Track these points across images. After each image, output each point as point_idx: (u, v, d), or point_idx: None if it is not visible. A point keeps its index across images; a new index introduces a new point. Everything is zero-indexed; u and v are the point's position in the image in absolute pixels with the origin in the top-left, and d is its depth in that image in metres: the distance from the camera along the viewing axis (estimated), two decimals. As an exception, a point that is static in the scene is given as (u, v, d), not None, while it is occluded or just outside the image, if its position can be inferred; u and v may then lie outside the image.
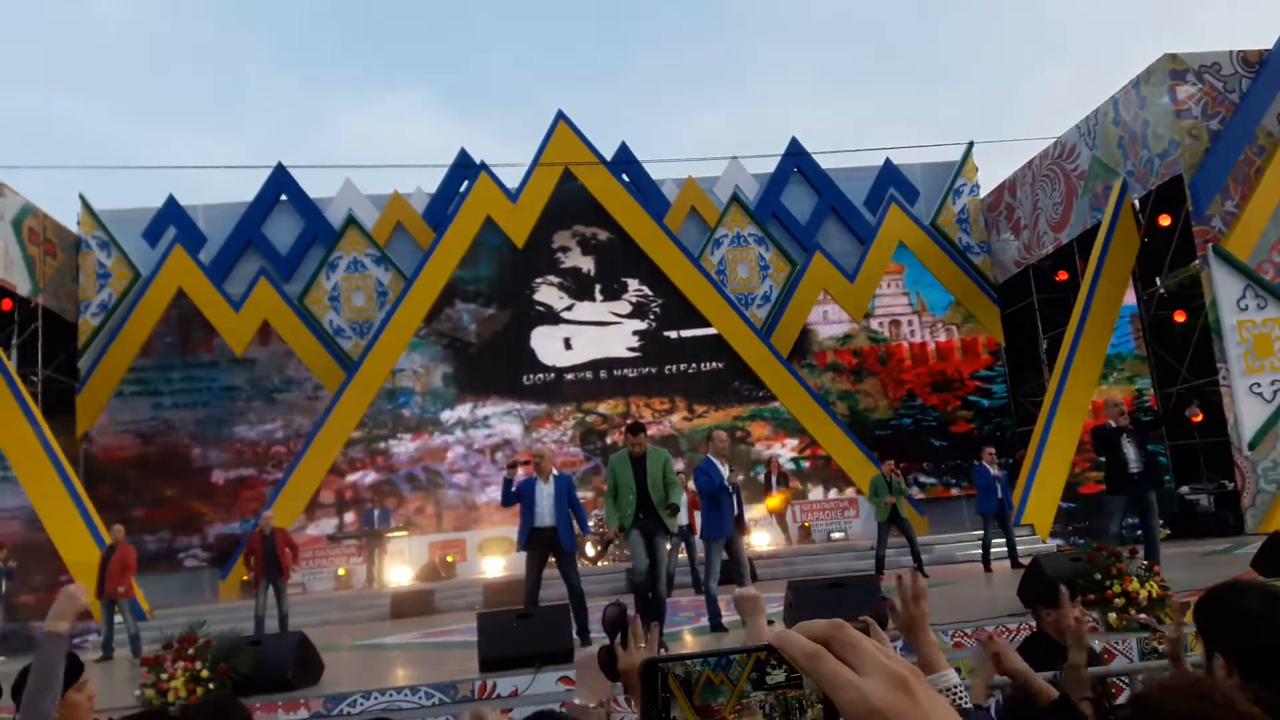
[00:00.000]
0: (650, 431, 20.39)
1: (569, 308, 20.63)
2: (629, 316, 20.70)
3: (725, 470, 9.06)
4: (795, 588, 8.51)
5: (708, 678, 0.73)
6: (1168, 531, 17.00)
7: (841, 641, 0.71)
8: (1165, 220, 16.23)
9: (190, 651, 7.14)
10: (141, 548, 15.45)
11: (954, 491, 20.35)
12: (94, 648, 12.70)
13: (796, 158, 21.79)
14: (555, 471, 9.44)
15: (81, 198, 20.07)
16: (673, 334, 20.57)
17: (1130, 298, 17.95)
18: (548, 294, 20.60)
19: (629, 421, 9.74)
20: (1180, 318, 16.56)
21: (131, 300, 19.59)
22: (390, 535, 18.41)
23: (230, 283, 20.01)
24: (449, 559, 18.26)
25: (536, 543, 9.06)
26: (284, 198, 20.88)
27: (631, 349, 20.60)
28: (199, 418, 19.62)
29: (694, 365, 20.53)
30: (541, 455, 9.60)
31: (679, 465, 19.88)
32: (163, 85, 55.50)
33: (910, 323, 21.36)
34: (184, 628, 7.50)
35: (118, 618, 12.48)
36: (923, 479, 20.40)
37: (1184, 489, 16.92)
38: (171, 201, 20.45)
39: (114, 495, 18.45)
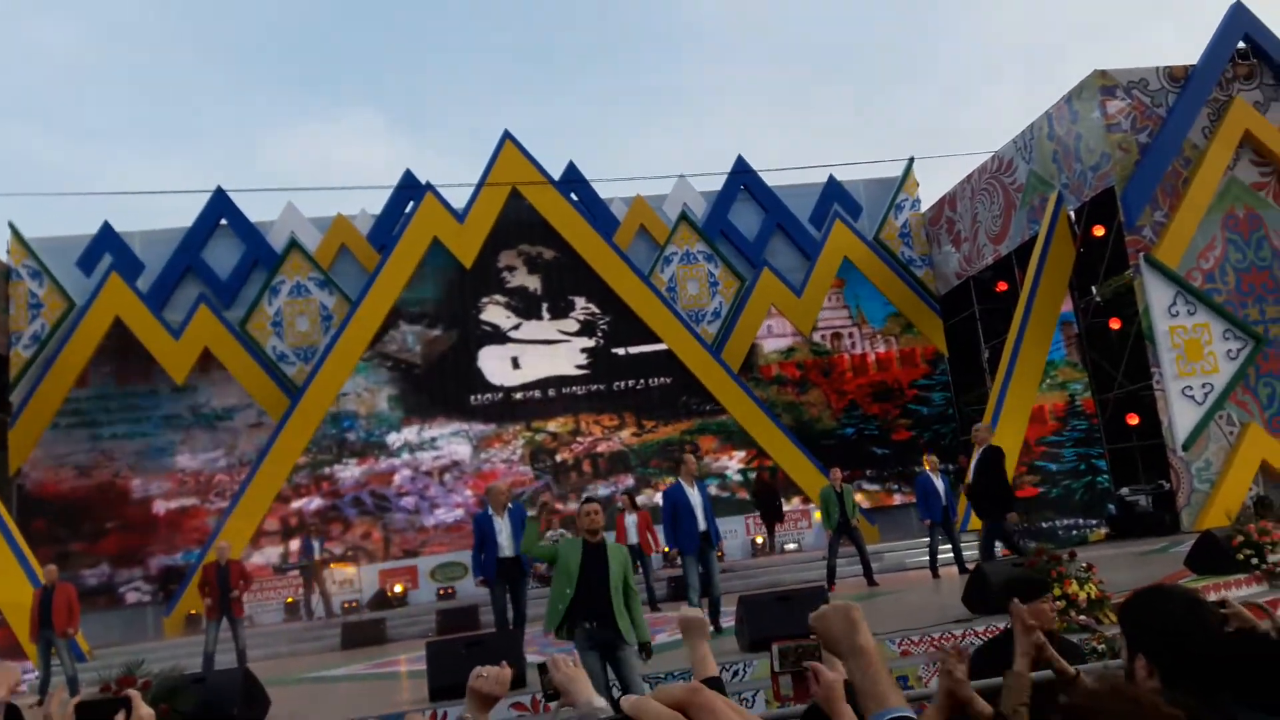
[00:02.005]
0: (600, 449, 20.70)
1: (516, 327, 20.58)
2: (577, 334, 20.71)
3: (694, 491, 9.91)
4: (745, 602, 8.55)
5: None
6: (1106, 532, 17.41)
7: (697, 705, 0.71)
8: (1099, 231, 16.68)
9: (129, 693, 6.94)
10: (80, 583, 15.07)
11: (897, 498, 20.73)
12: (30, 690, 12.31)
13: (743, 175, 22.06)
14: (510, 505, 10.34)
15: (11, 225, 19.60)
16: (621, 351, 20.61)
17: (1067, 306, 18.37)
18: (494, 313, 20.53)
19: (585, 497, 7.70)
20: (1115, 325, 16.99)
21: (66, 330, 19.12)
22: (334, 565, 18.12)
23: (170, 310, 19.64)
24: (399, 588, 18.02)
25: (501, 572, 10.02)
26: (224, 222, 20.59)
27: (580, 366, 20.60)
28: (139, 448, 19.20)
29: (642, 381, 20.59)
30: (496, 490, 10.48)
31: (628, 481, 19.93)
32: (98, 109, 54.51)
33: (851, 335, 21.71)
34: (122, 668, 7.30)
35: (55, 660, 12.08)
36: (866, 486, 20.70)
37: (1123, 490, 17.32)
38: (107, 228, 20.04)
39: (51, 530, 17.98)
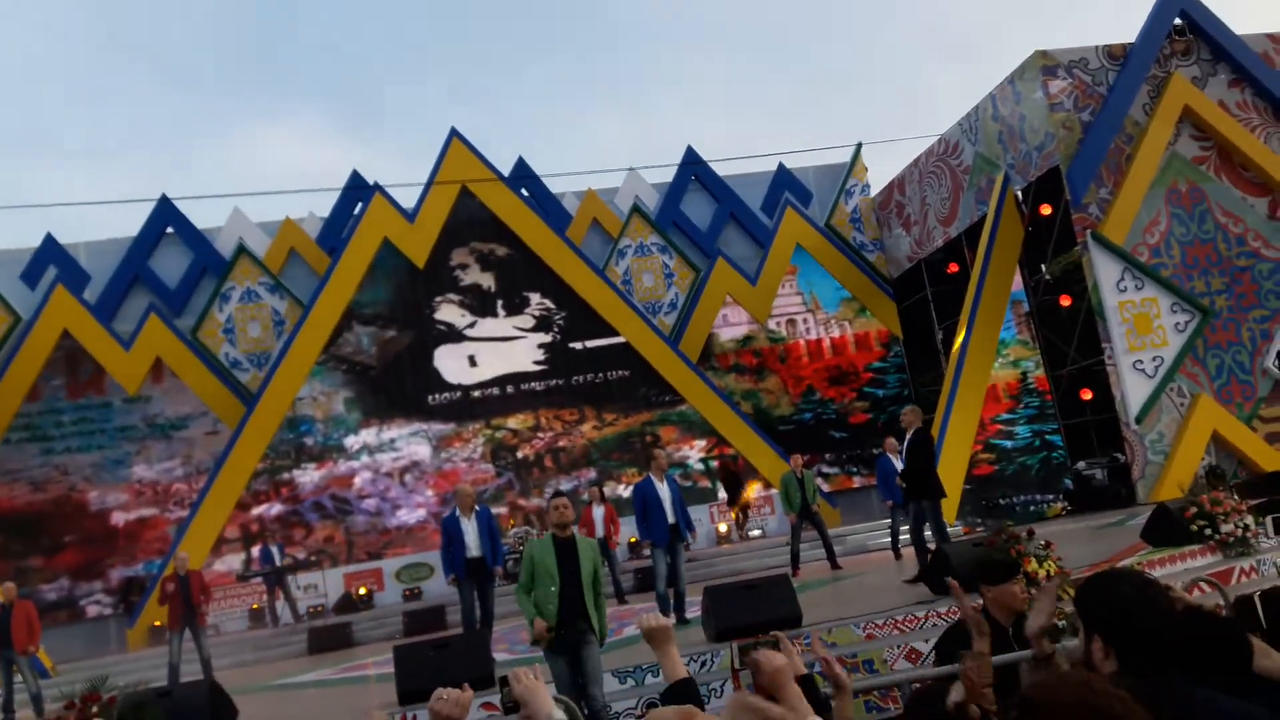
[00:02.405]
0: (561, 443, 20.71)
1: (471, 325, 20.50)
2: (533, 330, 20.68)
3: (664, 485, 10.24)
4: (711, 593, 8.59)
5: None
6: (1063, 506, 17.73)
7: None
8: (1046, 210, 16.94)
9: (94, 709, 6.87)
10: (39, 598, 14.83)
11: (856, 481, 20.99)
12: (-9, 712, 12.09)
13: (693, 166, 22.12)
14: (476, 507, 10.60)
15: (-48, 240, 19.13)
16: (578, 345, 20.62)
17: (1018, 285, 18.64)
18: (449, 312, 20.42)
19: (552, 492, 7.63)
20: (1065, 302, 17.25)
21: (13, 345, 18.76)
22: (299, 571, 17.95)
23: (119, 320, 19.33)
24: (364, 591, 17.91)
25: (469, 572, 10.23)
26: (170, 230, 20.28)
27: (538, 362, 20.58)
28: (94, 460, 18.91)
29: (601, 375, 20.61)
30: (461, 493, 10.69)
31: (591, 475, 19.94)
32: (33, 119, 53.29)
33: (805, 320, 21.92)
34: (87, 684, 7.20)
35: (17, 677, 11.88)
36: (826, 470, 20.92)
37: (1079, 465, 17.61)
38: (50, 240, 19.65)
39: (6, 545, 17.72)
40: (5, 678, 11.87)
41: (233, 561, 18.58)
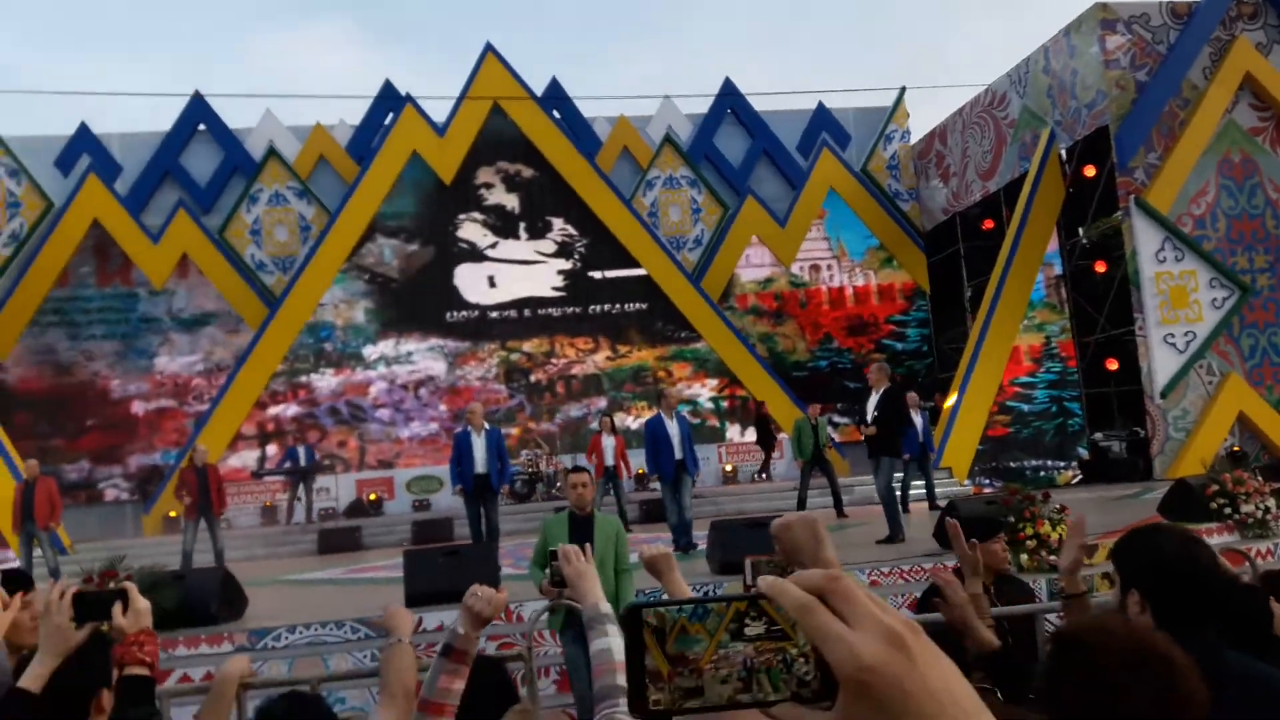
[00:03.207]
0: (574, 371, 20.70)
1: (493, 245, 20.42)
2: (553, 255, 20.58)
3: (673, 423, 10.72)
4: (717, 527, 8.66)
5: (682, 626, 0.69)
6: (1073, 475, 17.66)
7: (837, 593, 0.67)
8: (1090, 171, 16.56)
9: (112, 586, 6.99)
10: (61, 477, 15.14)
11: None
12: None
13: (730, 99, 21.70)
14: (486, 425, 11.00)
15: (-13, 121, 19.10)
16: (598, 274, 20.53)
17: (1053, 246, 18.32)
18: (471, 231, 20.34)
19: (572, 466, 6.88)
20: (1100, 268, 16.96)
21: (44, 230, 18.85)
22: (320, 473, 18.16)
23: (148, 214, 19.35)
24: (372, 497, 18.14)
25: (476, 487, 10.59)
26: (202, 127, 20.16)
27: (556, 288, 20.53)
28: (118, 349, 19.11)
29: (618, 306, 20.55)
30: (473, 411, 11.16)
31: (601, 403, 19.98)
32: (70, 10, 52.77)
33: (830, 267, 21.67)
34: (105, 562, 7.34)
35: (36, 551, 12.20)
36: (836, 419, 20.81)
37: (1097, 435, 17.50)
38: (84, 129, 19.60)
39: (31, 425, 17.98)
40: (25, 551, 12.21)
41: (248, 458, 18.85)
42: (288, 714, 2.43)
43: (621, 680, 2.17)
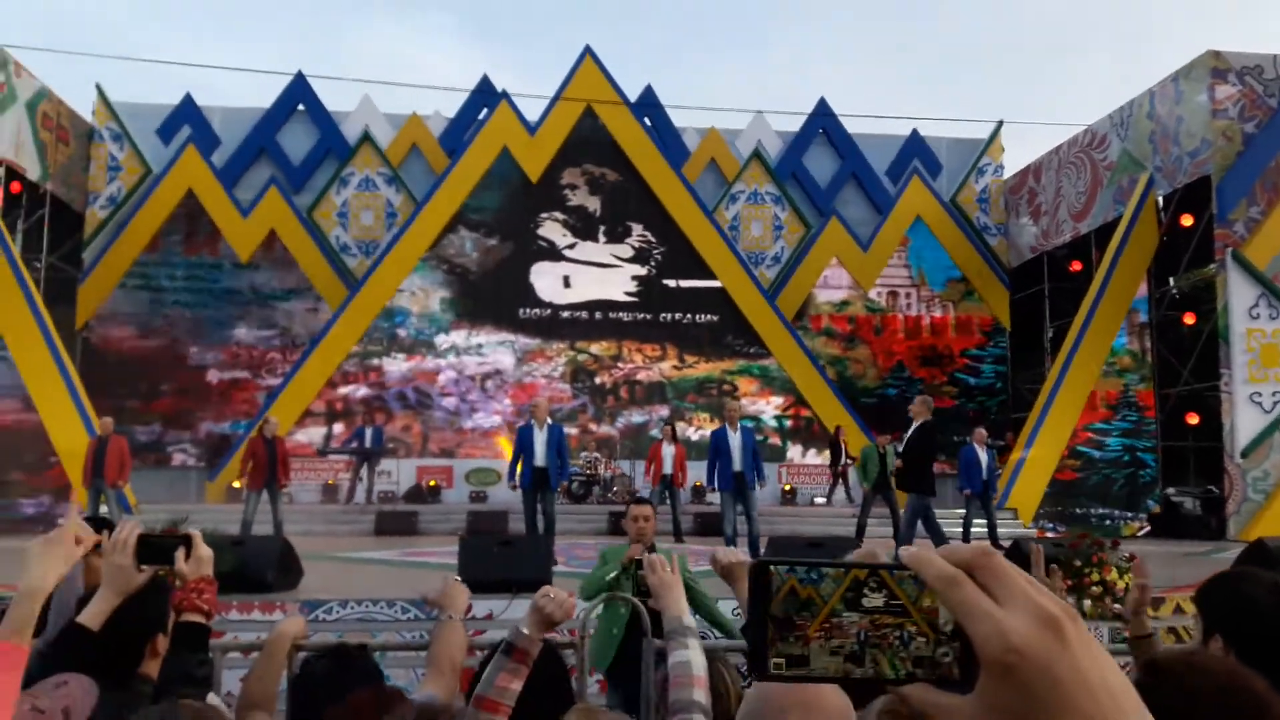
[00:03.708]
0: (639, 377, 20.72)
1: (571, 246, 20.55)
2: (630, 261, 20.63)
3: (735, 435, 10.65)
4: (776, 543, 8.56)
5: (792, 589, 0.65)
6: (1139, 527, 17.11)
7: (987, 569, 0.61)
8: (1187, 220, 16.09)
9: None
10: (131, 438, 15.51)
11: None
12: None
13: (823, 119, 21.55)
14: (549, 421, 11.09)
15: (98, 87, 19.80)
16: (671, 283, 20.52)
17: (1141, 293, 17.84)
18: (551, 230, 20.49)
19: (634, 497, 5.98)
20: (1189, 320, 16.48)
21: (141, 196, 19.45)
22: (383, 456, 18.40)
23: (240, 188, 19.86)
24: (431, 484, 18.33)
25: (535, 481, 10.62)
26: (301, 107, 20.63)
27: (629, 293, 20.57)
28: (198, 317, 19.59)
29: (689, 316, 20.51)
30: (537, 405, 11.30)
31: (663, 411, 19.92)
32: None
33: (908, 295, 21.34)
34: (167, 521, 7.51)
35: (103, 508, 12.53)
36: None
37: (1170, 489, 16.98)
38: (188, 100, 20.21)
39: (109, 384, 18.45)
40: (93, 506, 12.55)
41: (314, 434, 19.19)
42: (331, 669, 2.42)
43: (699, 696, 2.11)
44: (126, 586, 2.37)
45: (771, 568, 0.66)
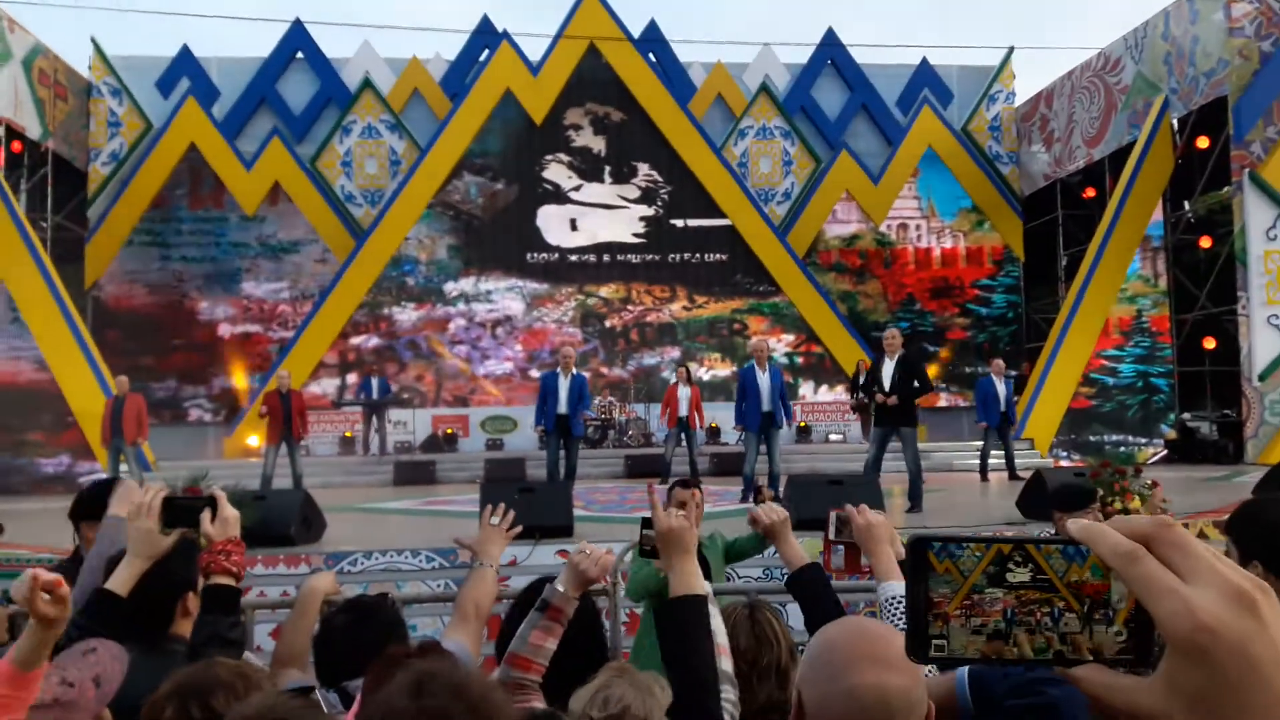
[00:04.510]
0: (650, 319, 20.58)
1: (577, 188, 20.35)
2: (636, 201, 20.44)
3: (764, 375, 10.47)
4: (794, 482, 8.55)
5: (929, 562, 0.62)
6: (1154, 453, 17.09)
7: (1169, 541, 0.57)
8: (1203, 142, 15.83)
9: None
10: (148, 395, 15.58)
11: (943, 398, 20.34)
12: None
13: (831, 49, 21.15)
14: (574, 371, 11.21)
15: (93, 41, 19.53)
16: (679, 222, 20.34)
17: (1156, 218, 17.62)
18: (556, 172, 20.28)
19: (678, 480, 4.90)
20: (1206, 243, 16.30)
21: (143, 151, 19.28)
22: (392, 407, 18.45)
23: (243, 140, 19.67)
24: (449, 431, 18.40)
25: (557, 428, 10.83)
26: (300, 55, 20.34)
27: (637, 234, 20.42)
28: (207, 272, 19.56)
29: (698, 255, 20.37)
30: (565, 355, 11.45)
31: (674, 353, 19.87)
32: (178, -71, 53.55)
33: (918, 227, 21.12)
34: (188, 479, 7.53)
35: (123, 466, 12.61)
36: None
37: (1186, 415, 16.95)
38: (185, 52, 19.93)
39: (122, 342, 18.53)
40: (113, 466, 12.64)
41: (328, 386, 19.25)
42: (351, 622, 2.41)
43: (726, 665, 2.08)
44: (154, 551, 2.36)
45: (930, 546, 0.62)
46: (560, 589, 2.32)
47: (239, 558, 2.33)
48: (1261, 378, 14.79)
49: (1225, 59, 15.16)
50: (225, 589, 2.29)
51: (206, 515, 2.34)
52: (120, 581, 2.33)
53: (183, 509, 2.38)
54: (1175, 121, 16.50)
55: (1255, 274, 14.87)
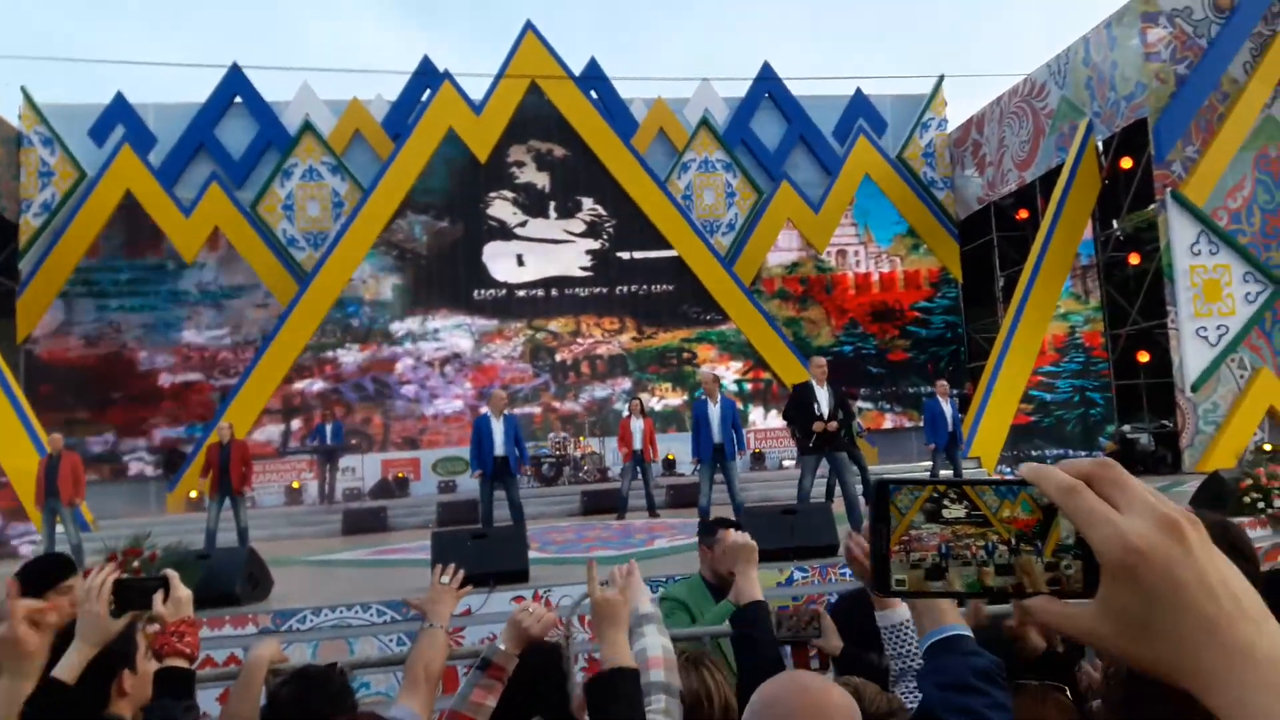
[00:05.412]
0: (599, 351, 20.58)
1: (522, 224, 20.40)
2: (582, 235, 20.54)
3: (715, 407, 10.67)
4: (748, 512, 8.61)
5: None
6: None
7: (1107, 479, 0.62)
8: (1127, 163, 16.33)
9: (135, 564, 7.02)
10: (85, 450, 15.22)
11: (888, 420, 20.76)
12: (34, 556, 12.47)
13: (768, 83, 21.53)
14: (506, 412, 11.46)
15: (23, 90, 19.23)
16: (625, 255, 20.47)
17: (1087, 237, 18.10)
18: (501, 209, 20.32)
19: (710, 519, 4.56)
20: (1134, 260, 16.78)
21: (76, 200, 18.96)
22: (345, 452, 18.22)
23: (181, 186, 19.43)
24: (400, 475, 18.21)
25: (494, 471, 10.94)
26: (239, 100, 20.19)
27: (584, 268, 20.50)
28: (146, 321, 19.22)
29: (645, 287, 20.50)
30: (495, 397, 11.67)
31: (625, 384, 19.95)
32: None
33: (856, 253, 21.50)
34: (128, 539, 7.38)
35: (59, 528, 12.21)
36: (861, 405, 20.72)
37: (1125, 427, 17.34)
38: (120, 99, 19.68)
39: (57, 396, 18.11)
40: (48, 527, 12.13)
41: (273, 432, 18.95)
42: (297, 696, 2.39)
43: (657, 676, 2.13)
44: (104, 636, 2.30)
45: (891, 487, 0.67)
46: (501, 647, 2.33)
47: (192, 639, 2.29)
48: (1194, 388, 15.22)
49: (1143, 83, 15.69)
50: (179, 671, 2.25)
51: (159, 596, 2.30)
52: (68, 669, 2.27)
53: (135, 591, 2.33)
54: (1100, 144, 17.00)
55: (1182, 288, 15.35)
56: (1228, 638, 0.57)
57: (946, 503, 0.65)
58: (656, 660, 2.15)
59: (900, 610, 2.06)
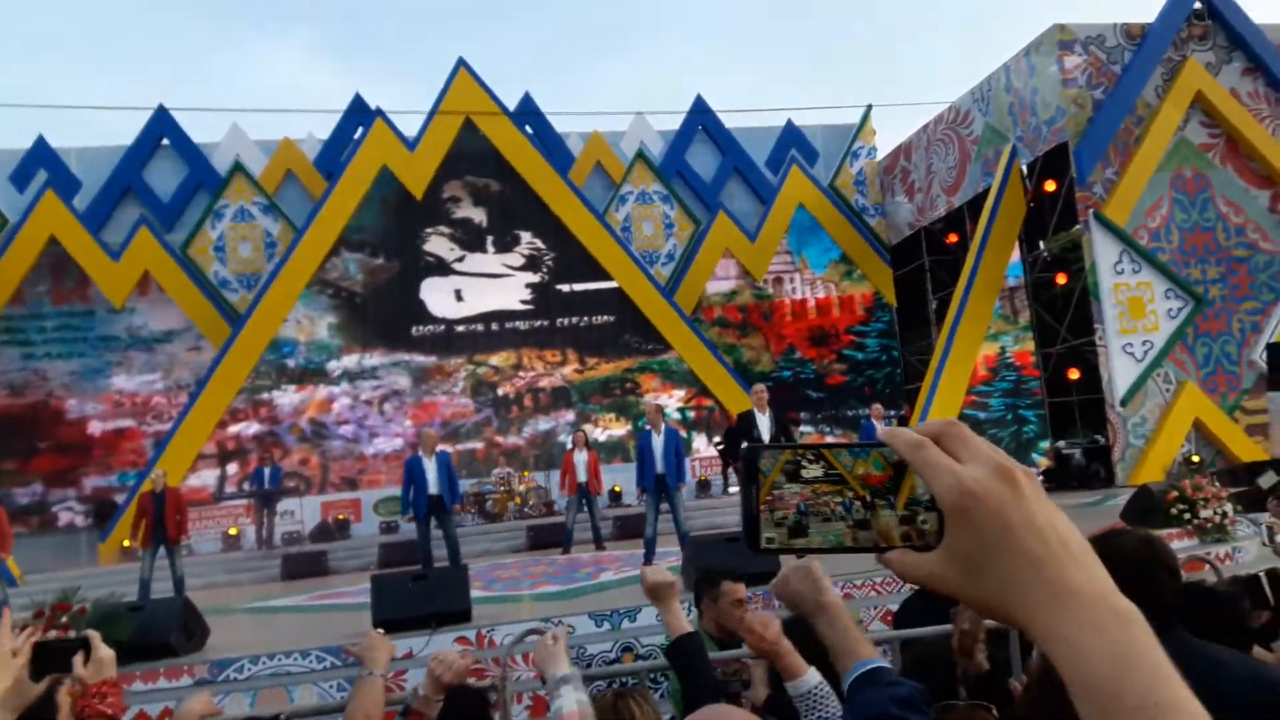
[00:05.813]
0: (542, 384, 20.51)
1: (460, 259, 20.34)
2: (521, 269, 20.54)
3: (658, 438, 10.64)
4: (694, 542, 8.61)
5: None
6: (1039, 479, 17.82)
7: (952, 436, 0.67)
8: (1051, 186, 16.80)
9: (64, 619, 6.81)
10: (11, 502, 14.74)
11: (826, 440, 20.95)
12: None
13: (701, 116, 21.83)
14: (439, 449, 11.46)
15: (-61, 135, 18.75)
16: (565, 287, 20.51)
17: (1015, 258, 18.57)
18: (438, 245, 20.25)
19: (716, 572, 4.17)
20: (1061, 280, 17.23)
21: (-2, 247, 18.47)
22: (284, 496, 17.88)
23: (108, 230, 19.05)
24: (340, 518, 17.90)
25: (429, 510, 11.01)
26: (166, 142, 19.91)
27: (524, 301, 20.50)
28: (73, 368, 18.75)
29: (586, 319, 20.55)
30: (427, 436, 11.75)
31: (569, 416, 19.91)
32: (26, 20, 52.01)
33: (793, 280, 21.84)
34: (58, 594, 7.15)
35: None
36: (803, 428, 20.98)
37: (1059, 443, 17.72)
38: (41, 143, 19.27)
39: (-18, 448, 17.54)
40: (-26, 583, 11.77)
41: (209, 478, 18.53)
42: None
43: None
44: (23, 701, 2.24)
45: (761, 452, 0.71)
46: (421, 694, 2.42)
47: (115, 699, 2.25)
48: (1123, 403, 15.63)
49: (1063, 108, 16.21)
50: None
51: (79, 658, 2.25)
52: None
53: (54, 653, 2.28)
54: (1024, 168, 17.49)
55: (1108, 306, 15.80)
56: (1053, 576, 0.61)
57: (805, 463, 0.70)
58: (571, 715, 2.21)
59: (810, 677, 2.09)
